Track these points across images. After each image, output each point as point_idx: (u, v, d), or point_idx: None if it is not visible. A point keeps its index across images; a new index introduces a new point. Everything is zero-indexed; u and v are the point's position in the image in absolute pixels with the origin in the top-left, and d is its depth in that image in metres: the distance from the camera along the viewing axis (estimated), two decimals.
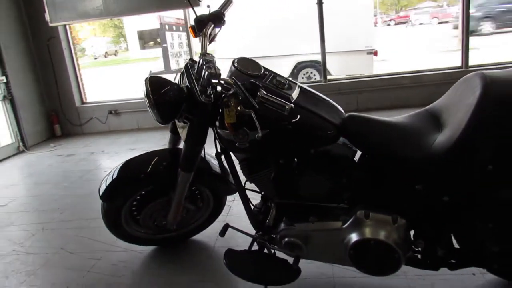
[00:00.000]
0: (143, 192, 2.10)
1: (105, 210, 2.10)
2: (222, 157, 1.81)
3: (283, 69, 7.09)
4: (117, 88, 10.81)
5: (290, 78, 1.75)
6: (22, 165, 4.71)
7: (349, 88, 5.25)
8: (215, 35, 1.87)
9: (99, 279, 2.18)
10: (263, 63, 1.74)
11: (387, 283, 1.88)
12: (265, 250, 1.83)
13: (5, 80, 5.08)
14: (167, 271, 2.17)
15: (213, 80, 1.49)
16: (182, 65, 5.02)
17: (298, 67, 7.38)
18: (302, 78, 7.33)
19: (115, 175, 2.05)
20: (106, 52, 26.42)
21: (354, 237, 1.60)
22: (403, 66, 8.40)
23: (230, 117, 1.48)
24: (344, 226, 1.64)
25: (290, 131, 1.60)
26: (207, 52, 1.72)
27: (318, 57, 5.43)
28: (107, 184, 2.03)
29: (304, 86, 1.76)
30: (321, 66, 5.37)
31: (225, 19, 1.85)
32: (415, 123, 1.67)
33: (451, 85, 1.68)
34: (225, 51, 6.80)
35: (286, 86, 1.66)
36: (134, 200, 2.11)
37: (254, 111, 1.43)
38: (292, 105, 1.43)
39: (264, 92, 1.43)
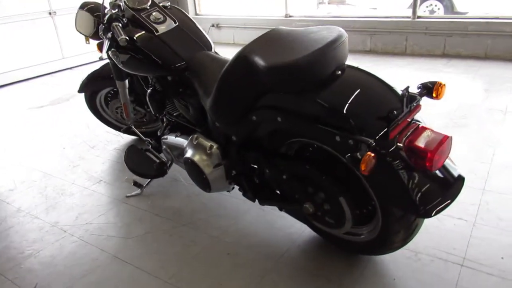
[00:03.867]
0: (114, 89, 2.71)
1: (86, 98, 2.81)
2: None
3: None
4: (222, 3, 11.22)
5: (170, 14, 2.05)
6: None
7: (437, 29, 4.67)
8: None
9: None
10: None
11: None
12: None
13: None
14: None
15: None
16: None
17: None
18: (424, 11, 6.59)
19: (91, 74, 2.70)
20: None
21: (185, 154, 1.92)
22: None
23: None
24: (185, 144, 1.97)
25: (147, 57, 1.95)
26: None
27: None
28: (83, 80, 2.70)
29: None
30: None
31: None
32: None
33: None
34: None
35: (160, 20, 1.99)
36: (108, 93, 2.76)
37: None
38: (126, 38, 1.83)
39: (116, 24, 1.87)
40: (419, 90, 1.42)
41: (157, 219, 2.12)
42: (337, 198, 1.50)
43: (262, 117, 1.55)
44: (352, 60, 1.43)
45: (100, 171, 2.64)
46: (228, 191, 2.00)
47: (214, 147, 1.81)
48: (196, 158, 1.83)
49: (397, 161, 1.29)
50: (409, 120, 1.35)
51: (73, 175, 2.63)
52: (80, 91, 2.74)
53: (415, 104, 1.33)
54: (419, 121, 1.38)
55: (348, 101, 1.33)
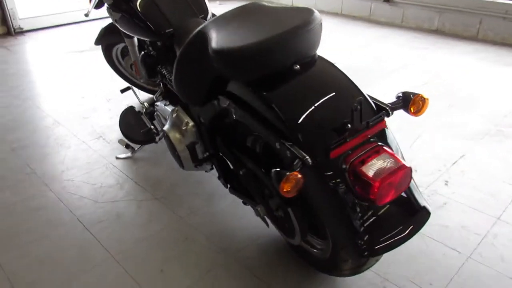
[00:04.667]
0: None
1: (103, 50, 2.78)
2: None
3: None
4: None
5: None
6: None
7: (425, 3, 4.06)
8: None
9: None
10: None
11: None
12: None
13: None
14: None
15: None
16: None
17: None
18: None
19: (107, 26, 2.64)
20: None
21: (164, 126, 1.82)
22: None
23: None
24: (167, 115, 1.86)
25: (138, 18, 1.83)
26: None
27: None
28: (100, 31, 2.66)
29: None
30: None
31: None
32: None
33: None
34: None
35: None
36: (125, 47, 2.70)
37: None
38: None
39: None
40: (396, 100, 1.16)
41: (135, 187, 2.07)
42: (285, 208, 1.32)
43: (221, 103, 1.39)
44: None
45: (105, 127, 2.64)
46: (205, 171, 1.88)
47: (190, 124, 1.68)
48: (171, 133, 1.72)
49: (338, 186, 1.07)
50: (369, 136, 1.11)
51: (79, 126, 2.65)
52: (96, 43, 2.70)
53: (375, 120, 1.08)
54: (380, 143, 1.12)
55: (298, 106, 1.12)
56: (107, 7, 1.93)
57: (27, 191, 2.05)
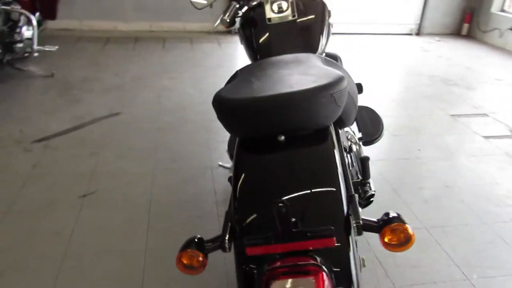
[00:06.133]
0: None
1: None
2: None
3: None
4: None
5: None
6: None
7: None
8: None
9: None
10: None
11: None
12: None
13: None
14: None
15: None
16: None
17: None
18: None
19: None
20: None
21: None
22: None
23: None
24: None
25: (248, 40, 1.79)
26: None
27: None
28: None
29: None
30: None
31: None
32: None
33: None
34: None
35: (281, 10, 1.73)
36: None
37: None
38: (226, 19, 1.71)
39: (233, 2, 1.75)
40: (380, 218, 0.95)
41: None
42: None
43: None
44: None
45: None
46: None
47: None
48: None
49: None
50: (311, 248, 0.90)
51: None
52: None
53: (317, 232, 0.87)
54: (320, 264, 0.88)
55: (253, 184, 1.00)
56: (238, 28, 1.90)
57: None
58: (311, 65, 1.22)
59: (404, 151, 2.82)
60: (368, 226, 0.90)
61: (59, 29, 4.70)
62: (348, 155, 1.72)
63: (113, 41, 4.80)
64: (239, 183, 0.98)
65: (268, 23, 1.75)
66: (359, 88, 2.09)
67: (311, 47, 1.75)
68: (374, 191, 1.71)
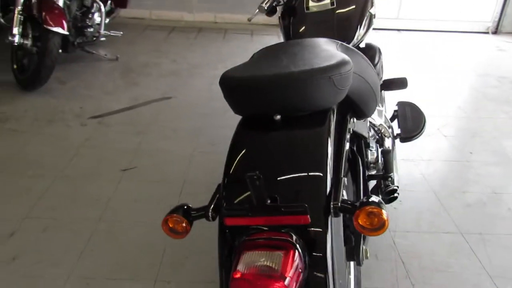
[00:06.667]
0: None
1: None
2: None
3: None
4: None
5: None
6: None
7: None
8: None
9: None
10: None
11: None
12: None
13: None
14: None
15: None
16: None
17: None
18: None
19: None
20: None
21: None
22: None
23: None
24: None
25: (286, 27, 1.82)
26: None
27: None
28: None
29: None
30: None
31: None
32: None
33: None
34: None
35: None
36: None
37: None
38: (264, 7, 1.78)
39: None
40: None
41: None
42: None
43: None
44: None
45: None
46: None
47: None
48: None
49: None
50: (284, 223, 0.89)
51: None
52: None
53: (290, 208, 0.87)
54: (294, 240, 0.87)
55: (243, 157, 1.00)
56: (278, 17, 1.94)
57: None
58: (322, 49, 1.20)
59: (453, 153, 2.66)
60: (344, 208, 0.89)
61: (129, 18, 4.99)
62: (371, 148, 1.67)
63: (178, 30, 5.00)
64: (230, 157, 1.01)
65: (306, 11, 1.75)
66: (403, 83, 2.02)
67: (346, 36, 1.71)
68: (397, 186, 1.65)
